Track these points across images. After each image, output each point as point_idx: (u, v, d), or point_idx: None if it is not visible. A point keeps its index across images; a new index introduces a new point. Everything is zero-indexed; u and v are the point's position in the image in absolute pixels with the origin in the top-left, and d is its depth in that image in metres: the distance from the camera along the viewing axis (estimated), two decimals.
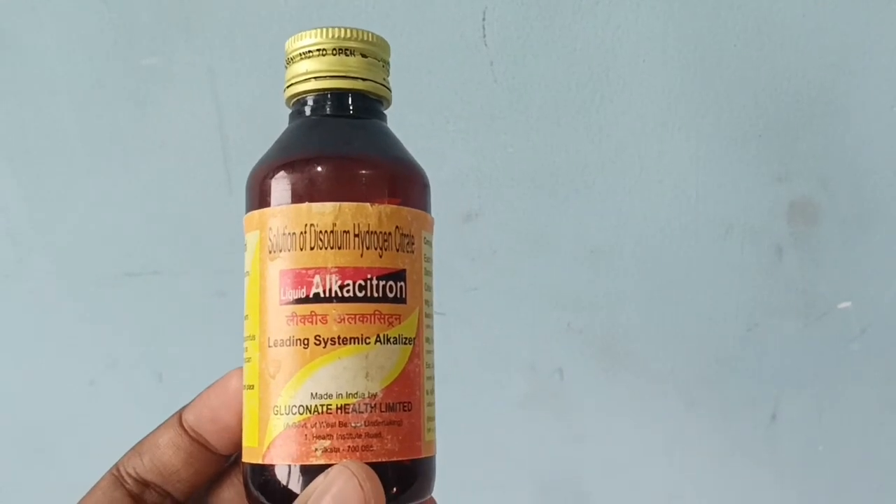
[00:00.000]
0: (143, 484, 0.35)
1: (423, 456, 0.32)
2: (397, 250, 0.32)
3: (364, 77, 0.34)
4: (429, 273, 0.33)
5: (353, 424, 0.30)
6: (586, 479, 0.62)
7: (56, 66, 0.61)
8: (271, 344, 0.31)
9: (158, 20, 0.60)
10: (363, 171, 0.32)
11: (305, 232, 0.31)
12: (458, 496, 0.61)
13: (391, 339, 0.31)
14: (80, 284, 0.61)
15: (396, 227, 0.32)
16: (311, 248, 0.31)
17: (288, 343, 0.30)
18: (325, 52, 0.33)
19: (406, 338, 0.32)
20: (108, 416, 0.61)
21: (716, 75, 0.59)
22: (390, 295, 0.31)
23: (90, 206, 0.61)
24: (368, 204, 0.31)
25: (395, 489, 0.31)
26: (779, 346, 0.60)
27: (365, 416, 0.30)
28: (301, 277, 0.31)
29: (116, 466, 0.35)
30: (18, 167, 0.61)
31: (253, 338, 0.31)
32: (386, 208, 0.32)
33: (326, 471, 0.29)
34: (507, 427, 0.61)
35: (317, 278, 0.31)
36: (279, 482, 0.30)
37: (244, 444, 0.32)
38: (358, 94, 0.34)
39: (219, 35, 0.60)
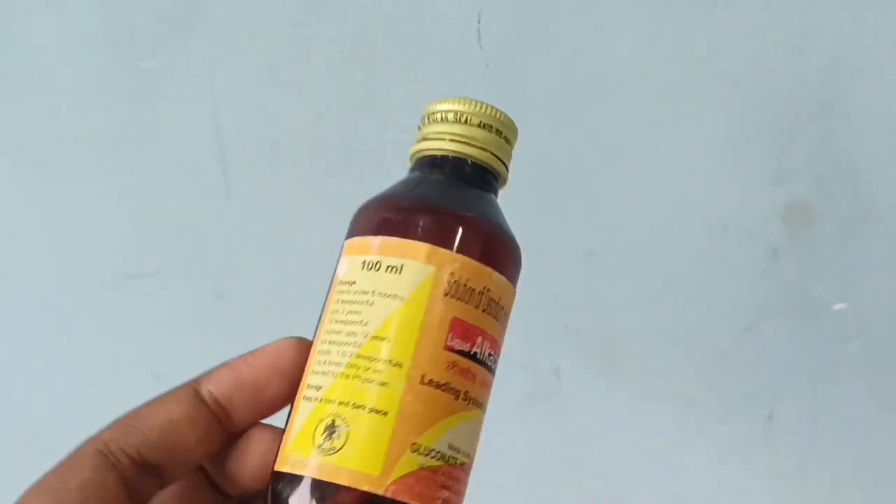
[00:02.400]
0: (140, 464, 0.31)
1: None
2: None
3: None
4: None
5: (461, 482, 0.32)
6: (583, 479, 0.62)
7: (56, 66, 0.61)
8: (425, 381, 0.31)
9: (158, 21, 0.60)
10: (518, 256, 0.35)
11: (483, 294, 0.32)
12: None
13: (486, 410, 0.34)
14: (80, 285, 0.62)
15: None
16: (483, 311, 0.32)
17: (444, 388, 0.31)
18: (501, 134, 0.37)
19: None
20: (108, 416, 0.61)
21: (712, 76, 0.59)
22: (496, 371, 0.34)
23: (90, 207, 0.61)
24: (513, 286, 0.34)
25: None
26: (775, 346, 0.61)
27: (466, 477, 0.32)
28: (471, 333, 0.32)
29: (104, 443, 0.31)
30: (19, 167, 0.62)
31: (399, 365, 0.31)
32: (514, 290, 0.35)
33: None
34: (504, 427, 0.62)
35: (479, 339, 0.32)
36: None
37: (340, 463, 0.30)
38: (490, 170, 0.36)
39: (218, 37, 0.60)
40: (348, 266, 0.33)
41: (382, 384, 0.31)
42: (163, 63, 0.60)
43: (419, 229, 0.32)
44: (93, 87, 0.61)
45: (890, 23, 0.59)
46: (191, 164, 0.61)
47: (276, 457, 0.32)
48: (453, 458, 0.31)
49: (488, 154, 0.35)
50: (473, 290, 0.32)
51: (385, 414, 0.30)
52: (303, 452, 0.31)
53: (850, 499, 0.62)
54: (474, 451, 0.33)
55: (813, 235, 0.60)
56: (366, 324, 0.31)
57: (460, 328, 0.32)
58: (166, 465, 0.32)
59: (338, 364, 0.31)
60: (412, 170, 0.36)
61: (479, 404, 0.33)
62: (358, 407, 0.31)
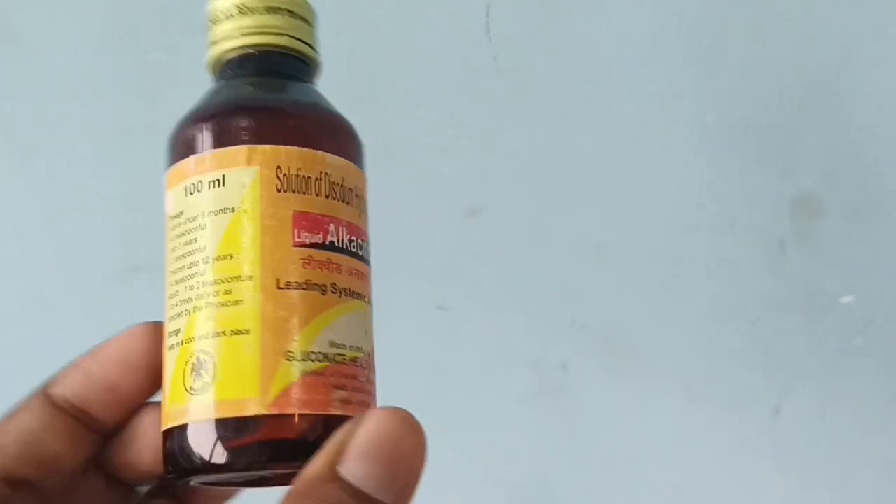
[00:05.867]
0: (10, 482, 0.29)
1: None
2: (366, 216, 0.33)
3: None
4: None
5: (360, 378, 0.30)
6: (589, 473, 0.62)
7: (62, 60, 0.61)
8: (282, 286, 0.29)
9: (164, 15, 0.60)
10: (354, 136, 0.33)
11: (321, 179, 0.30)
12: (461, 491, 0.61)
13: (371, 302, 0.32)
14: (86, 279, 0.62)
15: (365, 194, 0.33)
16: (326, 197, 0.30)
17: (305, 286, 0.29)
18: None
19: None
20: None
21: (719, 69, 0.59)
22: (369, 258, 0.32)
23: (96, 201, 0.61)
24: (357, 167, 0.32)
25: None
26: (782, 340, 0.61)
27: (366, 372, 0.30)
28: (318, 222, 0.30)
29: None
30: (24, 162, 0.62)
31: (249, 278, 0.29)
32: (360, 171, 0.33)
33: (358, 418, 0.27)
34: (510, 422, 0.62)
35: (332, 226, 0.30)
36: (297, 432, 0.29)
37: (215, 397, 0.28)
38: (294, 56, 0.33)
39: None
40: (173, 199, 0.32)
41: (236, 303, 0.29)
42: (169, 56, 0.60)
43: (230, 134, 0.31)
44: (99, 80, 0.61)
45: None
46: None
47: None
48: (340, 355, 0.29)
49: (287, 38, 0.32)
50: (309, 178, 0.30)
51: (248, 332, 0.29)
52: (179, 401, 0.29)
53: (858, 493, 0.62)
54: (368, 343, 0.31)
55: (820, 229, 0.60)
56: (203, 249, 0.30)
57: (305, 220, 0.30)
58: (38, 476, 0.30)
59: (188, 301, 0.30)
60: (214, 81, 0.34)
61: (356, 294, 0.30)
62: (217, 335, 0.29)
